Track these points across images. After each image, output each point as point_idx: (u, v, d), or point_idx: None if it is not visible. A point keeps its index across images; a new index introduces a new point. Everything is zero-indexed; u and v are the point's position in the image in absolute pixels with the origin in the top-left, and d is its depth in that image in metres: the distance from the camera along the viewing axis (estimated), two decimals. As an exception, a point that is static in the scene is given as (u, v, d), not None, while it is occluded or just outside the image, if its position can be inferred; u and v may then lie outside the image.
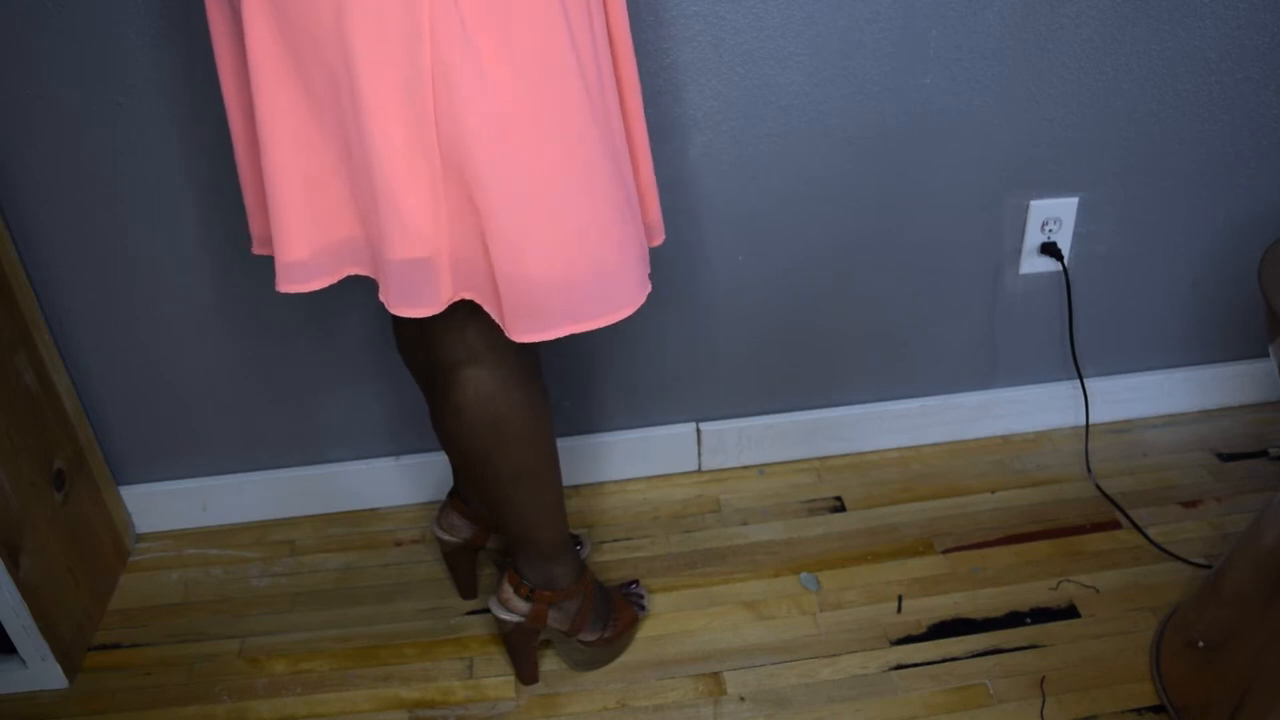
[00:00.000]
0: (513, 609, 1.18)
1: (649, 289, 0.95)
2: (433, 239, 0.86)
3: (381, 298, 0.90)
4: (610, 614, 1.25)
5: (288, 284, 0.91)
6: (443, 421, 1.04)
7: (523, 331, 0.89)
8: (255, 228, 1.01)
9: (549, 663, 1.27)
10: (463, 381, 1.00)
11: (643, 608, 1.30)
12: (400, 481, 1.51)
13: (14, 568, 1.20)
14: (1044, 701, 1.19)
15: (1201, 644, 1.12)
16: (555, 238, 0.86)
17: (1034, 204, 1.39)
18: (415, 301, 0.89)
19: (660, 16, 1.20)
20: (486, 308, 0.91)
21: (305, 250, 0.90)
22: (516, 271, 0.86)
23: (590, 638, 1.23)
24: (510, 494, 1.09)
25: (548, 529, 1.14)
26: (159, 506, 1.49)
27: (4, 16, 1.13)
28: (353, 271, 0.93)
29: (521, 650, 1.22)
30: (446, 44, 0.78)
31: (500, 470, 1.06)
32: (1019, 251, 1.43)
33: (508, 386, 1.01)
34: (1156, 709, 1.17)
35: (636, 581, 1.33)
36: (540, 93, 0.82)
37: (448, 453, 1.11)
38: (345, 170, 0.86)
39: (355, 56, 0.79)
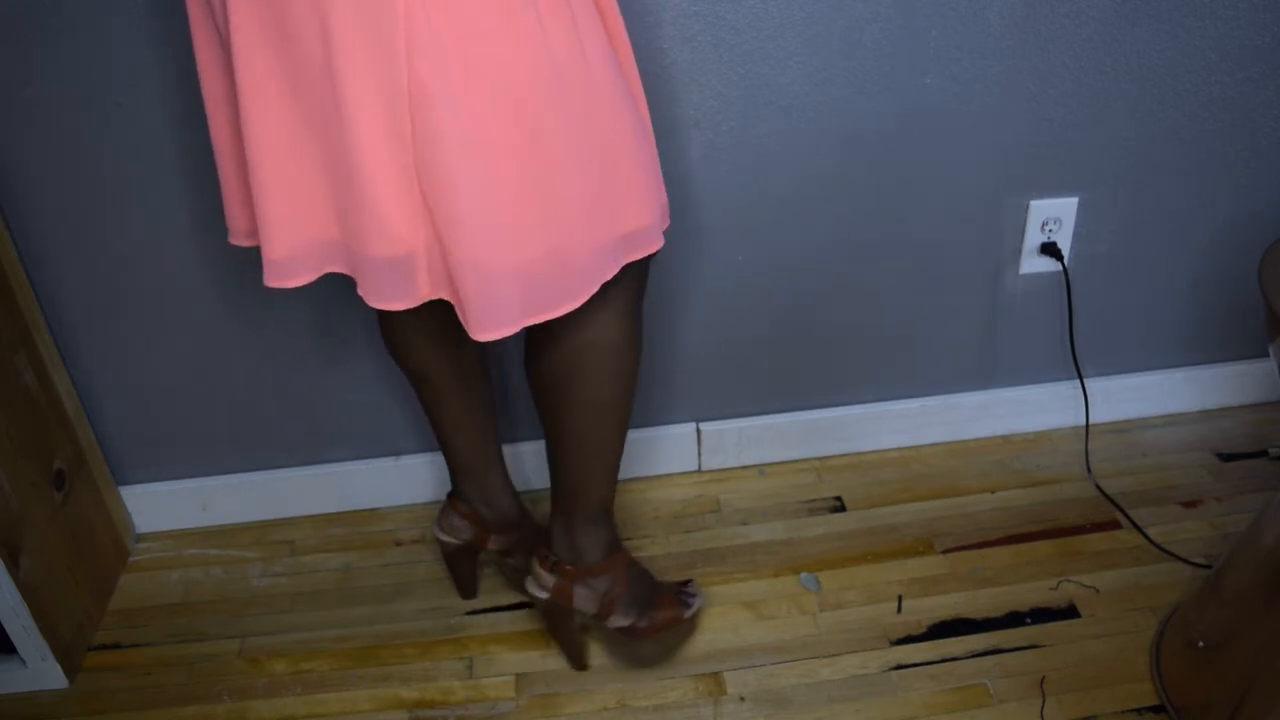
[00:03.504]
0: (543, 584, 1.19)
1: (611, 273, 0.96)
2: (410, 239, 0.89)
3: (360, 293, 0.93)
4: (649, 603, 1.23)
5: (273, 279, 0.95)
6: (531, 339, 1.07)
7: (481, 329, 0.91)
8: (234, 221, 1.03)
9: (549, 662, 1.27)
10: None
11: (688, 605, 1.25)
12: (400, 481, 1.51)
13: (14, 568, 1.20)
14: (1044, 701, 1.19)
15: (1201, 644, 1.12)
16: (508, 232, 0.89)
17: (1034, 204, 1.39)
18: (392, 297, 0.93)
19: (660, 16, 1.20)
20: (456, 306, 0.93)
21: (289, 248, 0.94)
22: (474, 266, 0.89)
23: (622, 623, 1.21)
24: (581, 428, 1.10)
25: (599, 486, 1.15)
26: (159, 506, 1.49)
27: (3, 17, 1.13)
28: (333, 269, 0.96)
29: (562, 632, 1.23)
30: (419, 59, 0.81)
31: (579, 398, 1.07)
32: (1019, 251, 1.43)
33: (613, 311, 1.03)
34: (1156, 709, 1.17)
35: (691, 581, 1.29)
36: (502, 103, 0.85)
37: (530, 385, 1.12)
38: (327, 172, 0.89)
39: (339, 71, 0.82)
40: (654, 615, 1.22)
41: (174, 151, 1.23)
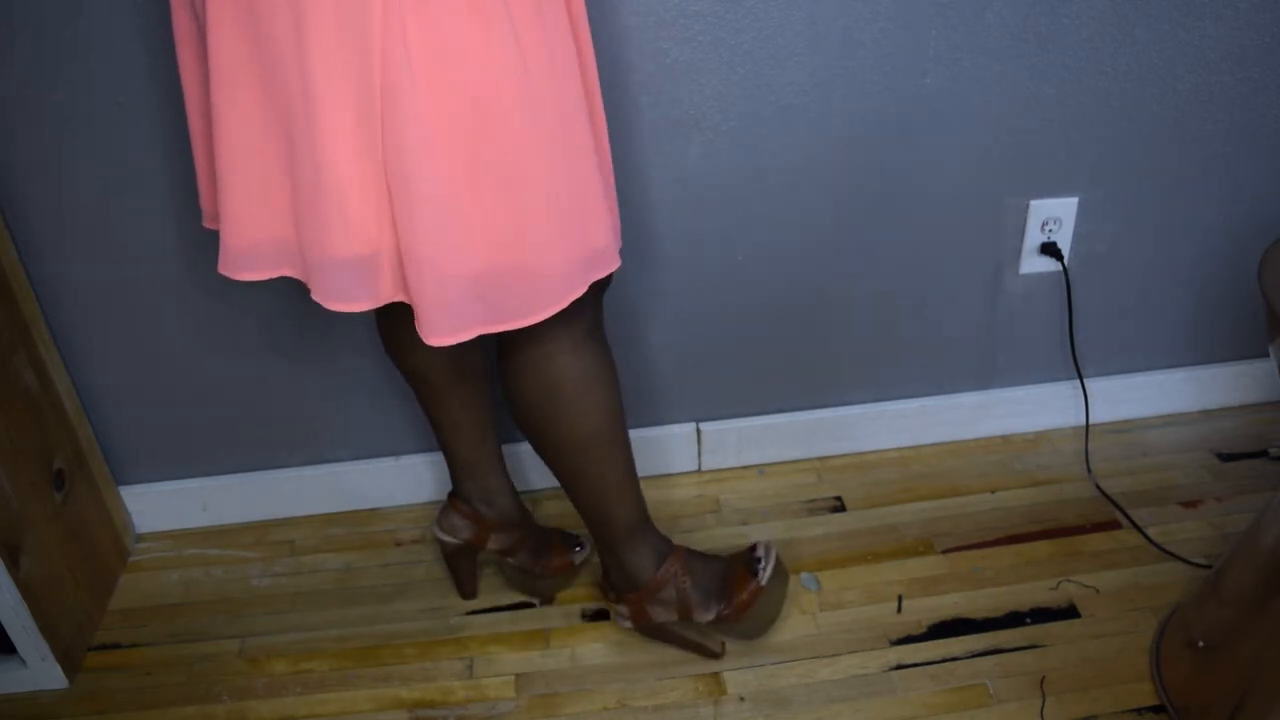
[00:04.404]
0: (622, 615, 1.22)
1: (579, 292, 0.96)
2: (376, 238, 0.90)
3: (315, 297, 0.93)
4: (723, 588, 1.21)
5: (226, 267, 0.96)
6: (503, 387, 1.07)
7: (433, 334, 0.91)
8: (205, 204, 1.04)
9: (549, 662, 1.27)
10: (517, 345, 1.03)
11: (760, 572, 1.21)
12: (400, 481, 1.51)
13: (14, 568, 1.20)
14: (1044, 701, 1.19)
15: (1201, 644, 1.12)
16: (471, 241, 0.90)
17: (1034, 204, 1.39)
18: (353, 297, 0.92)
19: (660, 17, 1.20)
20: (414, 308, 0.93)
21: (247, 240, 0.94)
22: (432, 270, 0.89)
23: (706, 617, 1.21)
24: (572, 464, 1.10)
25: (618, 509, 1.15)
26: (159, 506, 1.49)
27: (2, 17, 1.13)
28: (285, 272, 0.96)
29: (672, 640, 1.24)
30: (393, 63, 0.82)
31: (561, 439, 1.07)
32: (1019, 251, 1.43)
33: (561, 351, 1.02)
34: (1156, 709, 1.17)
35: (757, 544, 1.24)
36: (473, 110, 0.86)
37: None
38: (288, 172, 0.90)
39: (312, 65, 0.83)
40: (733, 598, 1.21)
41: (174, 151, 1.23)
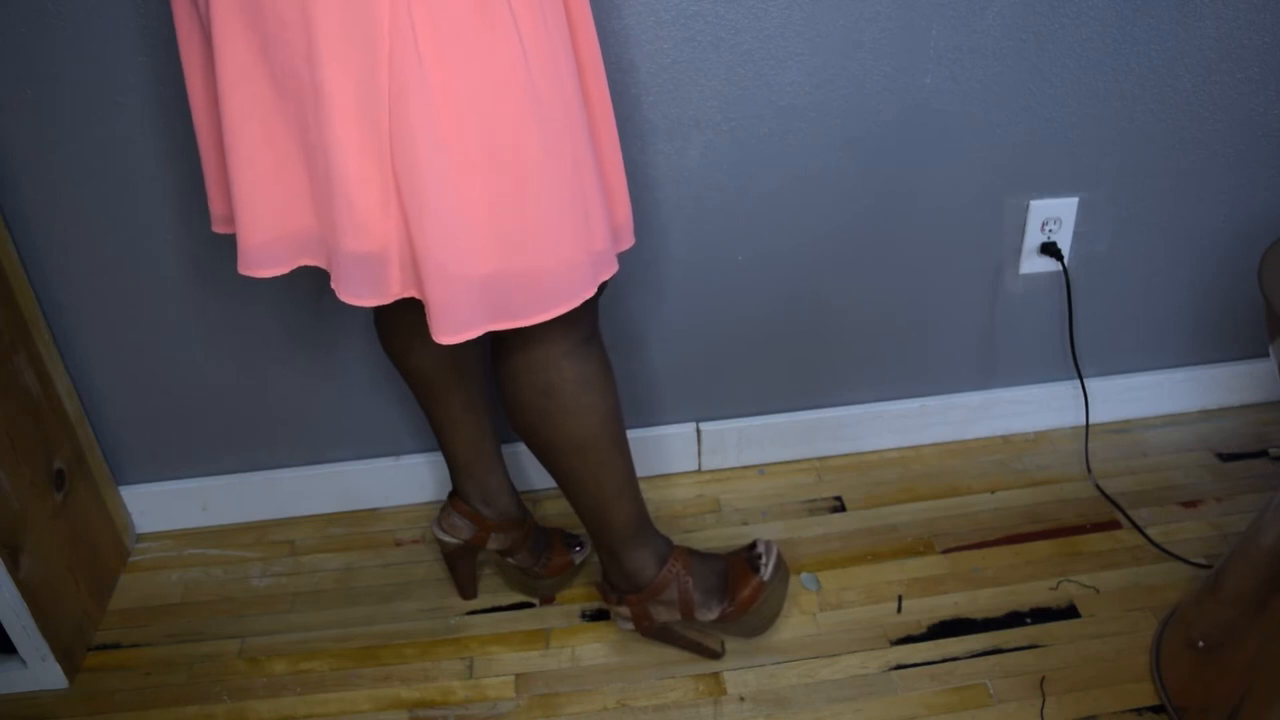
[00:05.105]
0: (624, 616, 1.21)
1: (590, 292, 0.96)
2: (382, 236, 0.90)
3: (333, 287, 0.93)
4: (724, 586, 1.22)
5: (245, 267, 0.95)
6: (500, 389, 1.07)
7: (442, 331, 0.91)
8: (215, 207, 1.04)
9: (549, 662, 1.27)
10: (513, 347, 1.02)
11: (761, 568, 1.22)
12: (400, 481, 1.52)
13: (14, 568, 1.20)
14: (1044, 701, 1.19)
15: (1201, 644, 1.12)
16: (481, 241, 0.90)
17: (1034, 204, 1.39)
18: (362, 293, 0.92)
19: (660, 17, 1.20)
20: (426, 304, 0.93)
21: (263, 237, 0.94)
22: (440, 270, 0.89)
23: (709, 616, 1.21)
24: (569, 467, 1.10)
25: (617, 511, 1.14)
26: (159, 506, 1.49)
27: (3, 17, 1.13)
28: (307, 262, 0.96)
29: (672, 640, 1.24)
30: (401, 63, 0.82)
31: (558, 442, 1.07)
32: (1019, 251, 1.43)
33: (557, 354, 1.02)
34: (1156, 709, 1.17)
35: (756, 541, 1.25)
36: (481, 110, 0.86)
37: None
38: (304, 164, 0.90)
39: (320, 63, 0.83)
40: (735, 595, 1.21)
41: (174, 151, 1.23)
